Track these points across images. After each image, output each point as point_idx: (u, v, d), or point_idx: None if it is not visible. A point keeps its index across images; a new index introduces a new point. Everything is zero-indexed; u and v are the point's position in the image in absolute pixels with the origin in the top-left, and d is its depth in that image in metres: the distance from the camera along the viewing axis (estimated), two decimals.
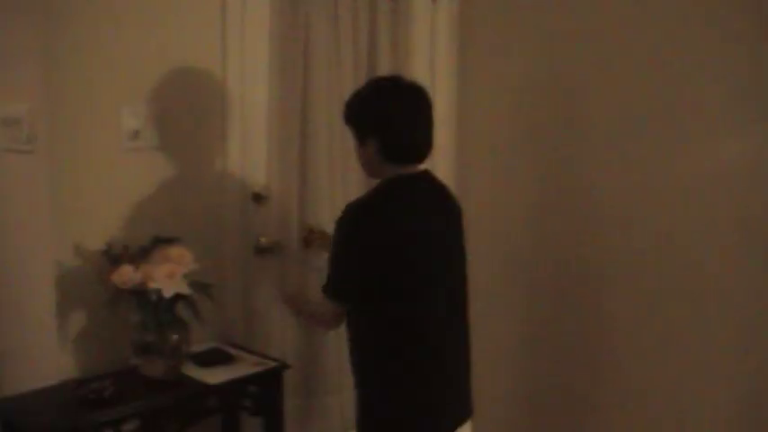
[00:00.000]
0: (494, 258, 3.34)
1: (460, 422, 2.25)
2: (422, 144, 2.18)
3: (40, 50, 2.34)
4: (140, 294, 2.31)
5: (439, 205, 2.25)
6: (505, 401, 3.39)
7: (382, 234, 2.07)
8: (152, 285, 2.28)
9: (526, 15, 3.24)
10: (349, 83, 3.03)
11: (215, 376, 2.47)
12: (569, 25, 3.07)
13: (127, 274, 2.28)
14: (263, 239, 2.89)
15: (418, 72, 3.24)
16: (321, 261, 2.40)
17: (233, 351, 2.68)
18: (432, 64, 3.36)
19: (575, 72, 3.09)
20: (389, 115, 2.14)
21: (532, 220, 3.28)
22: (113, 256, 2.35)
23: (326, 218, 2.98)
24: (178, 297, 2.33)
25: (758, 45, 2.61)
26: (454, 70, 3.44)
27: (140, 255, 2.36)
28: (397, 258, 2.08)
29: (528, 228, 3.30)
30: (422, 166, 2.21)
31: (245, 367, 2.56)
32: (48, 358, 2.44)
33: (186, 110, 2.67)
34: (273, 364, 2.62)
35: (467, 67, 3.42)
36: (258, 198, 2.88)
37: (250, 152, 2.86)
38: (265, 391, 2.59)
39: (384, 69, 3.17)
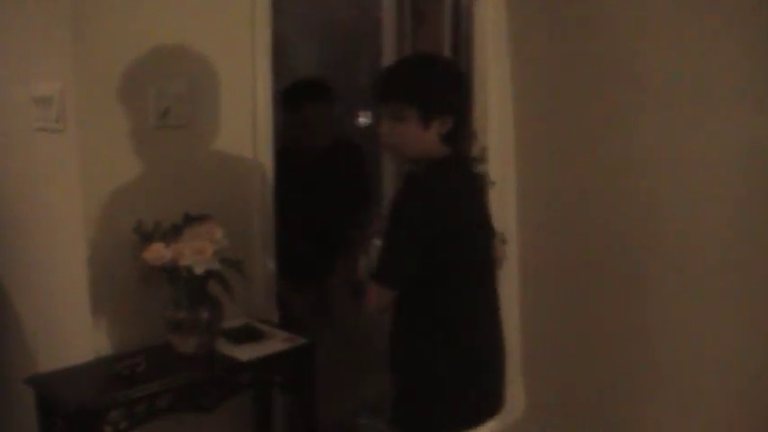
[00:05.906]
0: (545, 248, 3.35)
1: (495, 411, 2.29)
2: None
3: (69, 30, 2.34)
4: (172, 271, 2.32)
5: (474, 184, 2.32)
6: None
7: (439, 214, 2.07)
8: (183, 262, 2.29)
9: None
10: None
11: (246, 353, 2.48)
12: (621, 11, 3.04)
13: (158, 252, 2.29)
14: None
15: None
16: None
17: (264, 327, 2.69)
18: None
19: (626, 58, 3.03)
20: (465, 97, 2.20)
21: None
22: (145, 234, 2.36)
23: None
24: (209, 274, 2.34)
25: None
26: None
27: (171, 232, 2.37)
28: (453, 237, 2.10)
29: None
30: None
31: (275, 344, 2.57)
32: (81, 335, 2.46)
33: (216, 88, 2.66)
34: (303, 340, 2.62)
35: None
36: None
37: None
38: (296, 367, 2.60)
39: None
